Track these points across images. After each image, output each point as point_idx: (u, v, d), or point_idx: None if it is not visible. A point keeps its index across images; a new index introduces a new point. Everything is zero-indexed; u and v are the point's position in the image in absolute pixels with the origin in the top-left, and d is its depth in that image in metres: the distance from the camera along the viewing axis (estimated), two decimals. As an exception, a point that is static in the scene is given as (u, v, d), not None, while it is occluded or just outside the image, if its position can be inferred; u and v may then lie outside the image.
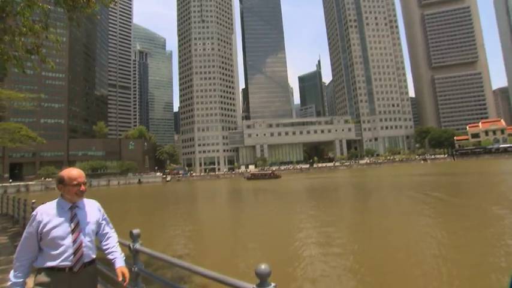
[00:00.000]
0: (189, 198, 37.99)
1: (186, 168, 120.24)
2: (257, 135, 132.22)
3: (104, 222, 2.57)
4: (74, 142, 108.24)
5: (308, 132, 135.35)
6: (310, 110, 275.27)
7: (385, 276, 8.55)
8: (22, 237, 2.25)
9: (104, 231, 2.56)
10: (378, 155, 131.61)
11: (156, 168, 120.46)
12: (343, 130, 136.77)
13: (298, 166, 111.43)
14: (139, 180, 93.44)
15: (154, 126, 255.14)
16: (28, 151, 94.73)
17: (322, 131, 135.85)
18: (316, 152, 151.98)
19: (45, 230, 2.22)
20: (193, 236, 15.70)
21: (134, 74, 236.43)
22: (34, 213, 2.28)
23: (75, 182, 2.35)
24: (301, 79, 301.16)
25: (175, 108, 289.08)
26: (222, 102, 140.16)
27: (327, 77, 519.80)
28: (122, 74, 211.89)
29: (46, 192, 68.74)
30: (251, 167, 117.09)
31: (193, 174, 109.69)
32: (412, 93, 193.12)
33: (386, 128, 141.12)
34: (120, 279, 2.42)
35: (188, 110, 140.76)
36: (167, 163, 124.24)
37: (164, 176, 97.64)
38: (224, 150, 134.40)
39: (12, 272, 2.21)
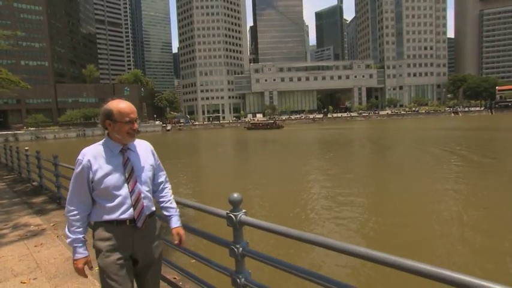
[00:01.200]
0: (192, 149, 39.25)
1: (188, 117, 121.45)
2: (266, 80, 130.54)
3: (158, 168, 2.35)
4: (62, 87, 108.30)
5: (323, 78, 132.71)
6: (327, 53, 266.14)
7: (382, 222, 9.22)
8: (70, 188, 2.10)
9: (159, 180, 2.35)
10: (401, 105, 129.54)
11: (155, 116, 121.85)
12: (363, 76, 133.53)
13: (310, 116, 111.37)
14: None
15: (151, 69, 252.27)
16: (11, 97, 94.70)
17: (340, 77, 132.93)
18: (331, 101, 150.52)
19: (96, 177, 2.04)
20: (193, 180, 17.25)
21: (125, 8, 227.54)
22: (80, 157, 2.07)
23: (127, 119, 2.10)
24: (319, 15, 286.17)
25: (175, 49, 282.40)
26: (227, 43, 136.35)
27: (349, 14, 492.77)
28: (110, 8, 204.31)
29: (37, 142, 71.08)
30: (259, 116, 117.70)
31: (196, 123, 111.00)
32: (450, 33, 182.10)
33: (415, 75, 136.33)
34: (176, 241, 2.29)
35: (189, 52, 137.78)
36: (167, 111, 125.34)
37: (164, 124, 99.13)
38: (229, 97, 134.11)
39: (67, 228, 2.08)
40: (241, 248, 2.41)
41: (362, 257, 1.59)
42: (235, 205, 2.39)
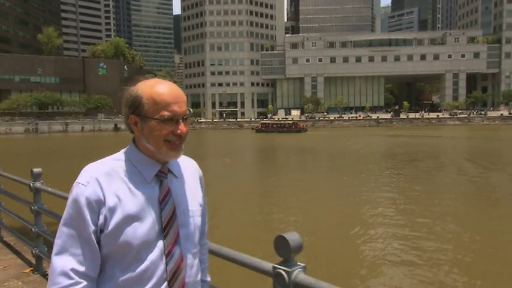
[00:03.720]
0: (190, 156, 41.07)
1: (191, 110, 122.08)
2: (308, 60, 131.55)
3: (203, 204, 2.08)
4: (5, 59, 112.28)
5: (397, 58, 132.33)
6: (408, 19, 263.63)
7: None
8: (58, 238, 1.70)
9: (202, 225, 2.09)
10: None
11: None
12: (463, 56, 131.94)
13: (373, 115, 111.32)
14: (115, 125, 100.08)
15: (140, 39, 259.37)
16: None
17: (424, 57, 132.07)
18: (408, 94, 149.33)
19: (112, 224, 1.67)
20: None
21: None
22: (82, 180, 1.69)
23: (166, 113, 1.72)
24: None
25: (176, 10, 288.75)
26: (252, 2, 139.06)
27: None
28: None
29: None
30: (294, 113, 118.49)
31: (202, 119, 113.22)
32: None
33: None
34: None
35: (196, 14, 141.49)
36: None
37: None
38: (253, 84, 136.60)
39: None
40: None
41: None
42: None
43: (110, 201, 1.67)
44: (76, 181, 1.71)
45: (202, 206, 1.99)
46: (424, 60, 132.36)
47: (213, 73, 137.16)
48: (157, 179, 1.80)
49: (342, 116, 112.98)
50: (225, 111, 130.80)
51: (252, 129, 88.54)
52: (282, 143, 54.12)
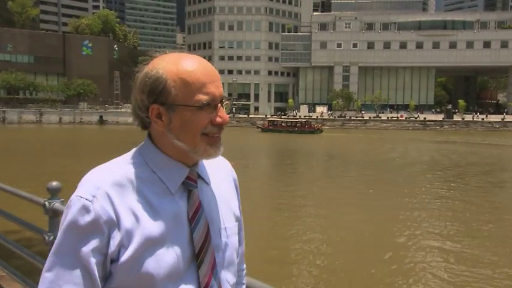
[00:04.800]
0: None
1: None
2: (340, 45, 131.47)
3: (240, 217, 1.98)
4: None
5: (453, 45, 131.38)
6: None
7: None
8: (51, 265, 1.51)
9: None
10: None
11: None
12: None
13: (420, 116, 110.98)
14: (100, 117, 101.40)
15: (135, 12, 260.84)
16: None
17: (488, 44, 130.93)
18: (467, 90, 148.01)
19: (129, 252, 1.50)
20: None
21: None
22: (85, 194, 1.50)
23: (204, 98, 1.55)
24: None
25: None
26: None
27: None
28: None
29: None
30: (320, 109, 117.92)
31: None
32: None
33: None
34: None
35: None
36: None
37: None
38: (270, 73, 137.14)
39: None
40: (52, 237, 3.86)
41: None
42: (54, 193, 4.18)
43: (126, 222, 1.51)
44: (75, 194, 1.52)
45: (239, 217, 1.88)
46: (488, 48, 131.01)
47: (222, 58, 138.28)
48: (184, 188, 1.66)
49: (380, 115, 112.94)
50: (235, 105, 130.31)
51: (257, 127, 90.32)
52: (289, 145, 54.97)
